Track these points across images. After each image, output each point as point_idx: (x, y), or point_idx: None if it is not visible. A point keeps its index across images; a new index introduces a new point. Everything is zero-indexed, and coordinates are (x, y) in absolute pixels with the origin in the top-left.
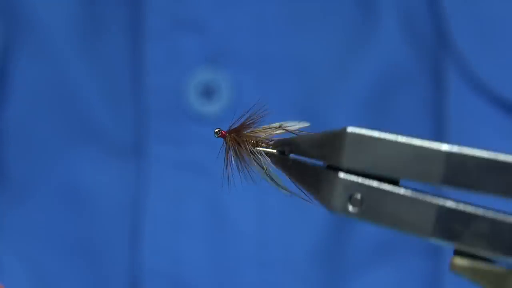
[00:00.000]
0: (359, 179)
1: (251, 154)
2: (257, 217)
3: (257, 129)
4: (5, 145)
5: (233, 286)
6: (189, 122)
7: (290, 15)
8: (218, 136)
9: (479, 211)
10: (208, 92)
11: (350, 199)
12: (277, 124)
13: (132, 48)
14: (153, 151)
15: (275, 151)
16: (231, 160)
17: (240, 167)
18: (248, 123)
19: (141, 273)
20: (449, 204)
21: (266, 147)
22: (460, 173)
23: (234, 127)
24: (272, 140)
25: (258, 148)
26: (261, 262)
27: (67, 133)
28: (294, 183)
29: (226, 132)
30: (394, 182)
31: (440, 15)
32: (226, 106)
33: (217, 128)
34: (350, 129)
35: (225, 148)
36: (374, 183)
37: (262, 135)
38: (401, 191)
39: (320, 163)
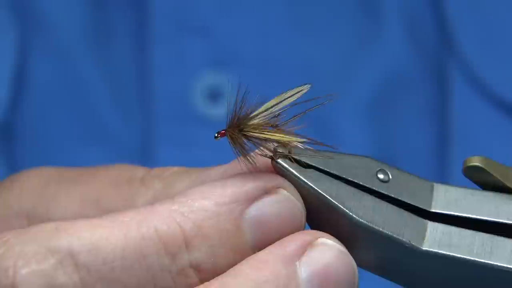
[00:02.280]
0: None
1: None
2: None
3: (255, 112)
4: (16, 143)
5: None
6: (195, 126)
7: (295, 18)
8: (218, 138)
9: None
10: (214, 95)
11: None
12: (275, 100)
13: (139, 52)
14: (160, 154)
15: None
16: (245, 152)
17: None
18: (241, 110)
19: None
20: None
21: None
22: None
23: (229, 120)
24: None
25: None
26: None
27: (76, 134)
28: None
29: (224, 130)
30: None
31: (444, 18)
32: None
33: (216, 135)
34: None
35: (232, 145)
36: None
37: (263, 118)
38: None
39: None
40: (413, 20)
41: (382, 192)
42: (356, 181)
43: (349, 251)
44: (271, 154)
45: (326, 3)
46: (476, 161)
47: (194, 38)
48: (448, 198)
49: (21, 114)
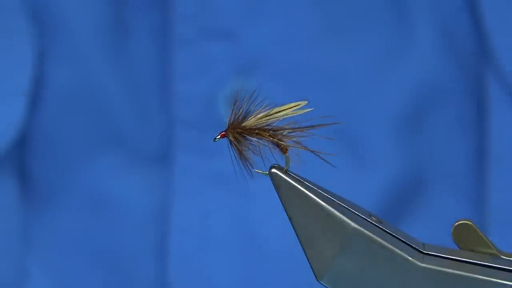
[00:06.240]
0: None
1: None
2: (287, 234)
3: (254, 116)
4: (32, 150)
5: None
6: (217, 132)
7: (323, 26)
8: (218, 139)
9: None
10: (237, 102)
11: None
12: (277, 109)
13: (160, 55)
14: (179, 161)
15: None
16: (245, 155)
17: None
18: (241, 112)
19: (167, 286)
20: None
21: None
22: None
23: (230, 122)
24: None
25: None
26: (291, 283)
27: (94, 139)
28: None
29: (225, 131)
30: None
31: (481, 29)
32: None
33: (216, 136)
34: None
35: (233, 146)
36: None
37: (263, 122)
38: None
39: None
40: (448, 29)
41: (378, 226)
42: (351, 209)
43: (338, 266)
44: (266, 172)
45: (356, 10)
46: (466, 220)
47: (219, 42)
48: (440, 248)
49: (38, 121)
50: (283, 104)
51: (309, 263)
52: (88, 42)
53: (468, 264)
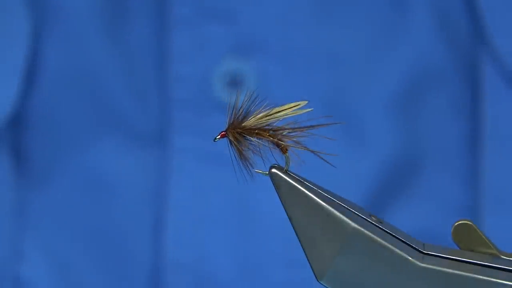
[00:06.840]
0: None
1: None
2: (284, 212)
3: (255, 116)
4: (29, 131)
5: (257, 284)
6: (214, 113)
7: (320, 7)
8: (218, 139)
9: None
10: (234, 83)
11: None
12: (277, 109)
13: (157, 36)
14: (176, 141)
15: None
16: (245, 155)
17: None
18: (241, 112)
19: (164, 264)
20: None
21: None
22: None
23: (230, 122)
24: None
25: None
26: (287, 260)
27: (90, 121)
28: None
29: (225, 131)
30: None
31: (476, 10)
32: (252, 97)
33: (216, 136)
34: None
35: (233, 146)
36: None
37: (263, 122)
38: None
39: None
40: (443, 11)
41: (378, 225)
42: (351, 209)
43: (338, 266)
44: (266, 172)
45: None
46: (466, 220)
47: (216, 22)
48: (440, 248)
49: (34, 103)
50: (283, 104)
51: (309, 263)
52: (85, 22)
53: (468, 264)
